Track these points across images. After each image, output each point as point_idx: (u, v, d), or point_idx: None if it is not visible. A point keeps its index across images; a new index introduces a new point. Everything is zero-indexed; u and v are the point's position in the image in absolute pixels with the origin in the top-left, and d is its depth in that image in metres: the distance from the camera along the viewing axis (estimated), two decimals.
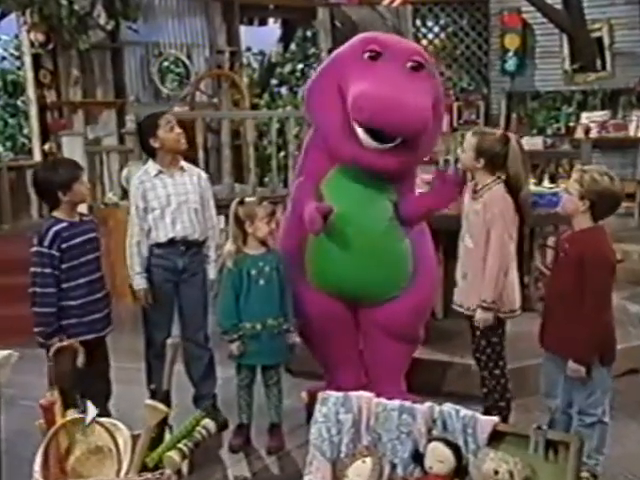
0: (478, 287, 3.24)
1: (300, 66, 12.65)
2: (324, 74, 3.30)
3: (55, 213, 3.37)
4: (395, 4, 7.82)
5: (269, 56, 11.90)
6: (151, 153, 3.74)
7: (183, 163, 3.81)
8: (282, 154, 8.26)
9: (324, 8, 9.10)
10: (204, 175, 3.89)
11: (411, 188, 3.46)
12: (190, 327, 3.82)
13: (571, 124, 8.72)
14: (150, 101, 8.65)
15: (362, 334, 3.57)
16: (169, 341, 2.09)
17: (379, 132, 3.08)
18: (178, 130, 3.72)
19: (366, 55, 3.19)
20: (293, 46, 12.71)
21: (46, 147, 7.25)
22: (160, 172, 3.71)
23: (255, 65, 12.92)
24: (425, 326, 3.62)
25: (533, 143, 8.51)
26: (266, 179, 9.33)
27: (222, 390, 3.85)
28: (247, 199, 3.41)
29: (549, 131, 8.90)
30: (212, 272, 3.81)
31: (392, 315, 3.42)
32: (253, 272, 3.39)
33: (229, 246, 3.42)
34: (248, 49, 12.35)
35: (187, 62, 8.98)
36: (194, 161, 7.06)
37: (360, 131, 3.12)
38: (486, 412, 3.40)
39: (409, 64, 3.18)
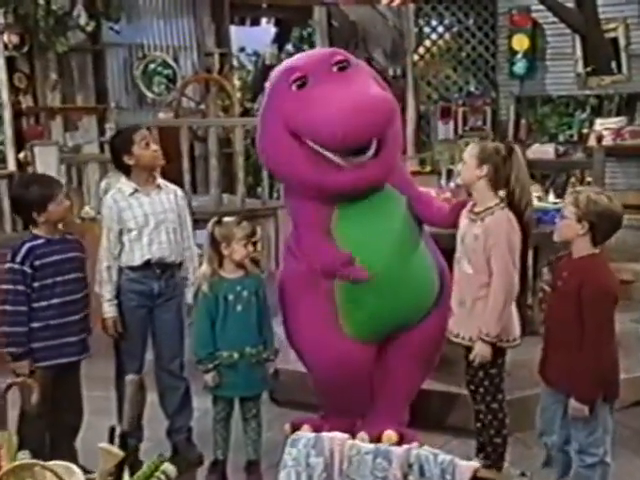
0: (478, 316, 3.21)
1: None
2: (268, 125, 3.31)
3: (34, 230, 3.40)
4: (395, 3, 7.84)
5: (263, 58, 11.92)
6: (125, 170, 3.77)
7: (160, 180, 3.85)
8: None
9: (320, 7, 9.12)
10: (180, 193, 3.94)
11: (409, 182, 3.51)
12: (165, 355, 3.86)
13: (584, 131, 8.65)
14: (133, 107, 8.69)
15: (383, 368, 3.57)
16: (128, 378, 2.09)
17: (354, 146, 3.11)
18: (154, 146, 3.76)
19: (294, 86, 3.21)
20: (290, 47, 12.74)
21: (21, 156, 7.26)
22: (136, 191, 3.74)
23: (250, 67, 12.94)
24: None
25: (544, 151, 8.52)
26: (259, 189, 9.35)
27: (198, 423, 3.86)
28: (225, 219, 3.43)
29: (561, 138, 8.86)
30: (190, 296, 3.84)
31: (425, 336, 3.48)
32: (230, 297, 3.41)
33: (204, 269, 3.43)
34: (242, 50, 12.38)
35: (174, 65, 9.01)
36: (179, 171, 7.25)
37: (335, 157, 3.14)
38: (480, 449, 3.40)
39: (335, 68, 3.20)
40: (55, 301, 3.37)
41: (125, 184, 3.78)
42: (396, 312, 3.39)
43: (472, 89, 9.42)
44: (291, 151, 3.20)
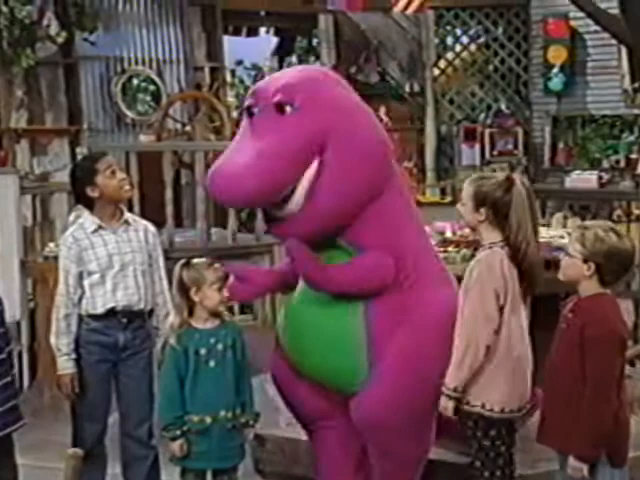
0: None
1: None
2: None
3: None
4: (411, 10, 7.91)
5: (261, 73, 12.02)
6: (88, 204, 3.79)
7: (127, 215, 3.87)
8: None
9: (326, 15, 9.20)
10: (152, 229, 3.95)
11: (368, 245, 3.28)
12: (131, 419, 3.83)
13: (633, 156, 8.69)
14: (111, 128, 8.75)
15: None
16: (69, 452, 2.08)
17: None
18: (121, 175, 3.78)
19: (245, 115, 3.26)
20: (294, 58, 12.85)
21: None
22: (99, 227, 3.75)
23: (248, 82, 13.05)
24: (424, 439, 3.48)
25: (585, 179, 8.55)
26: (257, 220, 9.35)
27: None
28: (195, 260, 3.43)
29: (605, 164, 8.88)
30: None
31: (359, 417, 3.34)
32: (202, 351, 3.39)
33: (172, 319, 3.43)
34: (239, 63, 12.47)
35: (157, 81, 9.08)
36: (161, 202, 7.27)
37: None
38: None
39: (272, 109, 3.13)
40: None
41: (88, 220, 3.79)
42: (311, 366, 3.38)
43: (501, 108, 9.44)
44: None
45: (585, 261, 2.90)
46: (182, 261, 3.43)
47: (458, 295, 3.24)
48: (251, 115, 3.17)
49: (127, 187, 3.82)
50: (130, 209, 6.87)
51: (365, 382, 3.29)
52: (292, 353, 3.44)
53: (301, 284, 3.34)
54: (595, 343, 2.84)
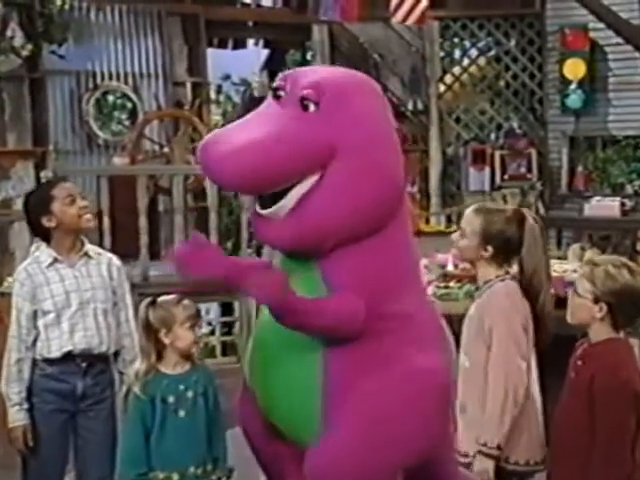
0: (479, 424, 3.20)
1: None
2: None
3: None
4: (411, 20, 7.91)
5: (250, 89, 12.06)
6: (45, 236, 3.77)
7: (88, 247, 3.84)
8: None
9: (320, 26, 9.25)
10: (117, 262, 3.92)
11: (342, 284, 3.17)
12: (90, 477, 3.78)
13: None
14: (81, 150, 8.78)
15: None
16: None
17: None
18: (82, 203, 3.76)
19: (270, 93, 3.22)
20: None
21: None
22: (56, 260, 3.73)
23: (236, 98, 13.10)
24: None
25: (606, 206, 8.57)
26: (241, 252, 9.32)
27: None
28: (161, 299, 3.37)
29: (629, 189, 8.90)
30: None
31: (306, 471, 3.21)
32: (170, 399, 3.33)
33: (138, 365, 3.37)
34: (226, 78, 12.53)
35: (133, 97, 9.11)
36: (135, 232, 7.24)
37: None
38: None
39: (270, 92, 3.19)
40: None
41: (44, 252, 3.76)
42: (268, 409, 3.30)
43: (513, 127, 9.44)
44: None
45: (596, 301, 2.88)
46: (147, 300, 3.37)
47: (450, 364, 3.12)
48: (276, 97, 3.13)
49: (88, 216, 3.79)
50: (100, 240, 6.95)
51: (318, 435, 3.17)
52: (253, 385, 3.36)
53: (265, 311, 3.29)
54: (606, 396, 2.83)
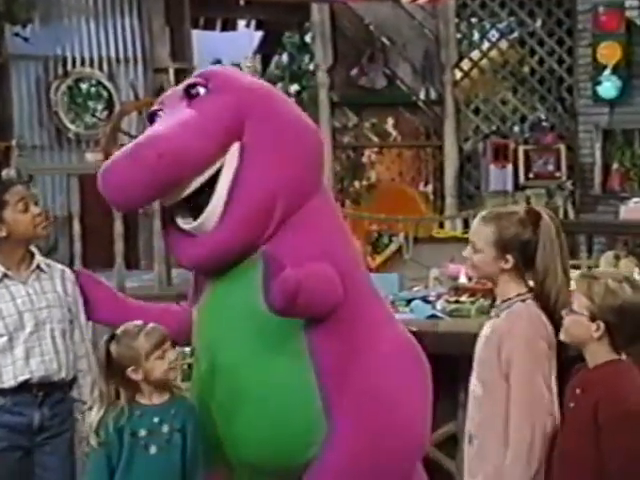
0: (491, 460, 3.13)
1: (295, 87, 12.87)
2: None
3: None
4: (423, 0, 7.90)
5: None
6: None
7: (39, 259, 3.76)
8: None
9: (320, 5, 9.23)
10: (70, 274, 3.84)
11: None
12: None
13: None
14: (50, 145, 8.82)
15: None
16: None
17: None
18: (36, 210, 3.71)
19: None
20: (285, 57, 12.94)
21: None
22: (5, 276, 3.66)
23: None
24: None
25: None
26: None
27: None
28: (120, 330, 3.33)
29: None
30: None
31: None
32: (142, 432, 3.28)
33: (94, 414, 3.32)
34: (217, 62, 12.57)
35: (109, 85, 9.12)
36: (110, 238, 7.19)
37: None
38: None
39: (180, 94, 3.47)
40: None
41: None
42: (245, 440, 3.35)
43: (540, 119, 9.46)
44: None
45: (593, 319, 2.87)
46: (105, 337, 3.35)
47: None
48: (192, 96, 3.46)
49: (42, 225, 3.74)
50: (70, 246, 6.87)
51: (322, 441, 3.33)
52: (221, 438, 3.42)
53: (207, 352, 3.41)
54: (613, 425, 2.80)
